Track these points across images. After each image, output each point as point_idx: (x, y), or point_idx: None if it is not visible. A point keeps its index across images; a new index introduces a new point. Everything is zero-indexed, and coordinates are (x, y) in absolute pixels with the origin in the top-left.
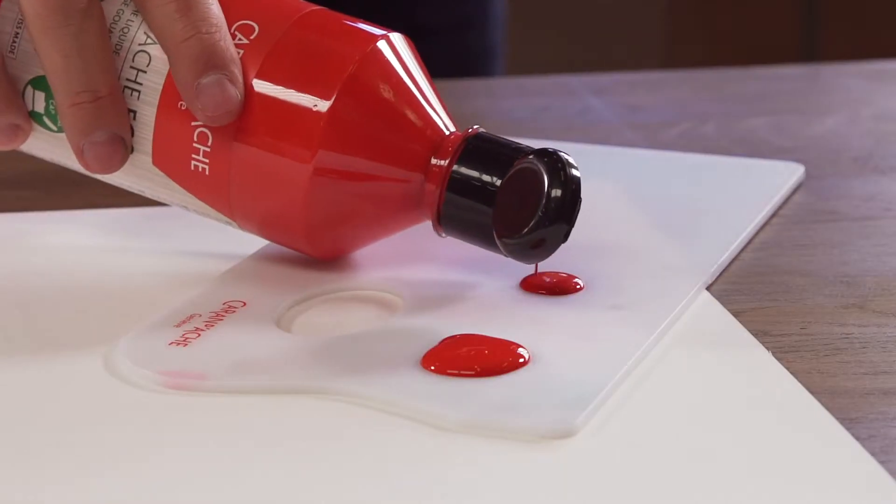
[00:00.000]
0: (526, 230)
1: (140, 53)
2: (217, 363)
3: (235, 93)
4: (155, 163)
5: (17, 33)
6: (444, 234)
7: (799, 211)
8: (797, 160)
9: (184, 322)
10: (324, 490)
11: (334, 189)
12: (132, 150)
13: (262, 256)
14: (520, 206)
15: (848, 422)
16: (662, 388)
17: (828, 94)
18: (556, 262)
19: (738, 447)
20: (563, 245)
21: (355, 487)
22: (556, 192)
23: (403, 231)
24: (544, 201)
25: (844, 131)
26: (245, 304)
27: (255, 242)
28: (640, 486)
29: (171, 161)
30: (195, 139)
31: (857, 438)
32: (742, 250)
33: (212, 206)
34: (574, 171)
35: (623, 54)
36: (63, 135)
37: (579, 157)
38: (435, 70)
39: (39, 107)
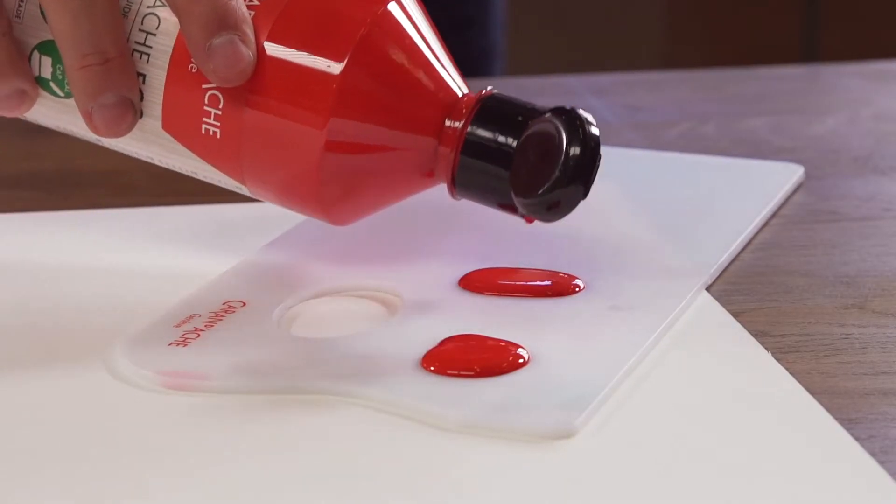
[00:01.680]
0: (543, 189)
1: (149, 16)
2: (217, 363)
3: (248, 53)
4: (165, 127)
5: None
6: (458, 197)
7: (799, 211)
8: (797, 160)
9: (183, 322)
10: (324, 490)
11: (347, 152)
12: (141, 115)
13: (262, 256)
14: (537, 166)
15: (848, 422)
16: (662, 388)
17: (828, 95)
18: (557, 262)
19: (738, 447)
20: (562, 245)
21: (355, 487)
22: (575, 151)
23: (403, 231)
24: (563, 160)
25: (844, 131)
26: (245, 304)
27: (254, 242)
28: (640, 486)
29: (181, 125)
30: (206, 102)
31: (857, 439)
32: (742, 250)
33: (223, 171)
34: (593, 129)
35: (623, 54)
36: (70, 100)
37: None
38: None
39: (46, 72)
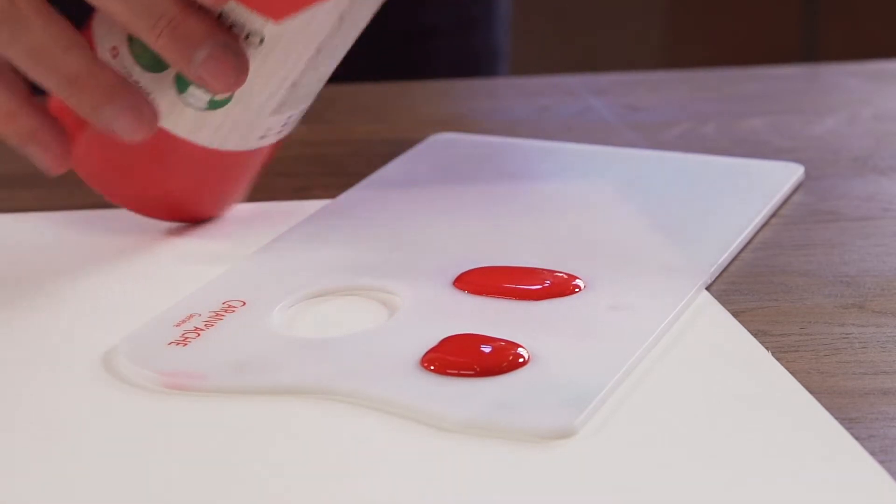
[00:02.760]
0: None
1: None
2: (217, 363)
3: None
4: (277, 20)
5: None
6: None
7: (799, 211)
8: (797, 160)
9: (183, 322)
10: (323, 490)
11: None
12: (262, 40)
13: (262, 256)
14: None
15: (847, 422)
16: (662, 387)
17: (828, 94)
18: (556, 262)
19: (738, 447)
20: (562, 245)
21: (355, 487)
22: None
23: (403, 231)
24: None
25: (844, 131)
26: (245, 303)
27: (254, 242)
28: (640, 486)
29: (277, 4)
30: None
31: (857, 438)
32: (742, 250)
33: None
34: None
35: (623, 54)
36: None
37: (579, 157)
38: (439, 70)
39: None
